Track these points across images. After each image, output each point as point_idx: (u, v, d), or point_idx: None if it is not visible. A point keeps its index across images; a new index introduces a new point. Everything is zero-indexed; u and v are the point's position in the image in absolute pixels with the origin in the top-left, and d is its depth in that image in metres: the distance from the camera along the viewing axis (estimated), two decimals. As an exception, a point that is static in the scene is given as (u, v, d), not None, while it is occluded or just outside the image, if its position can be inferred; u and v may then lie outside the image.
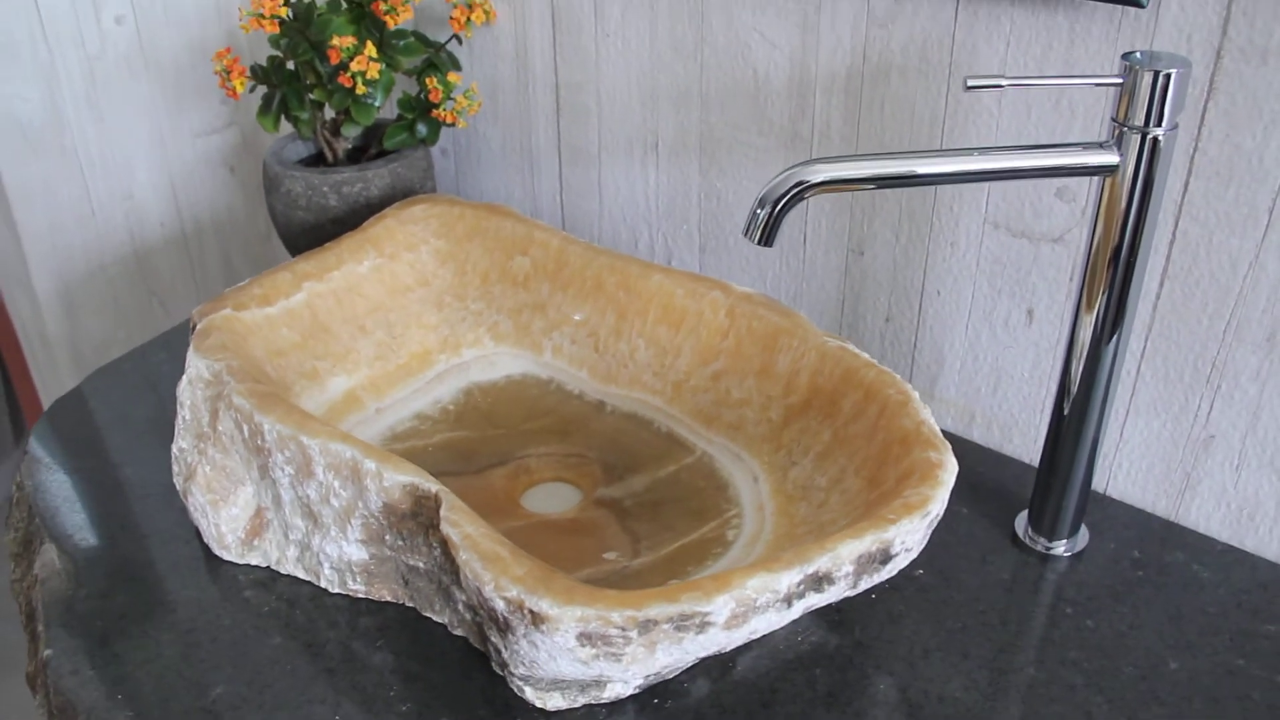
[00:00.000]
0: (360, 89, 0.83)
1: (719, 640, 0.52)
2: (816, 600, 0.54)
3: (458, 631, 0.64)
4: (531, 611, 0.51)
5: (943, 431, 0.79)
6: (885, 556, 0.55)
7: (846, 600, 0.66)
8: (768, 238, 0.56)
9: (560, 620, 0.50)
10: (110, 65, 1.01)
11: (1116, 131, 0.56)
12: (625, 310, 0.76)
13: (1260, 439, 0.66)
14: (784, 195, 0.55)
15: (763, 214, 0.56)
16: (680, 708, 0.60)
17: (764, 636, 0.64)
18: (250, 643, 0.64)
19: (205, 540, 0.70)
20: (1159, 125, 0.55)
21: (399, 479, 0.59)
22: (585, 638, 0.51)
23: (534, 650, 0.52)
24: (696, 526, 0.67)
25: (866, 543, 0.53)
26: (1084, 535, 0.69)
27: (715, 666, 0.62)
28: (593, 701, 0.60)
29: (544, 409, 0.76)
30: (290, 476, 0.63)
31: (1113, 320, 0.61)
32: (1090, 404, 0.63)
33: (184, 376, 0.69)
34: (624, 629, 0.50)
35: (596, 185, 0.91)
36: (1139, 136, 0.56)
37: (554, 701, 0.59)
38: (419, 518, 0.60)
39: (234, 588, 0.68)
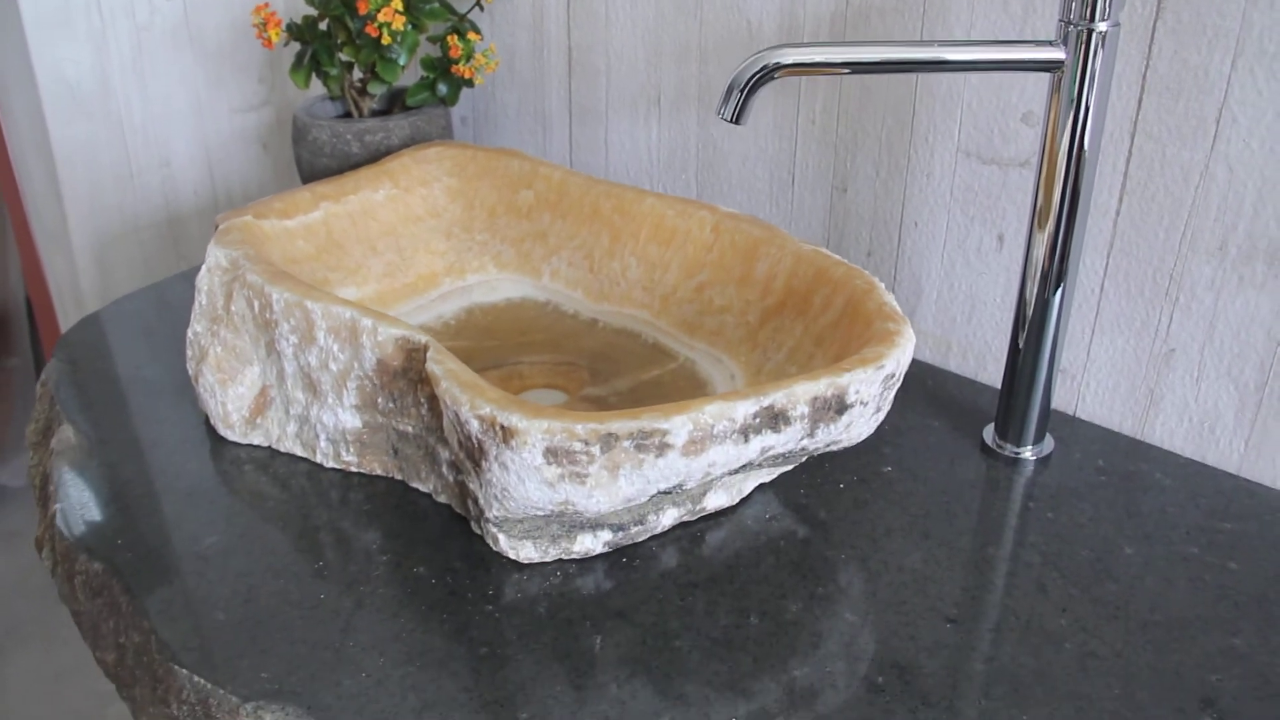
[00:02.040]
0: (386, 39, 0.89)
1: (679, 468, 0.55)
2: (773, 441, 0.57)
3: (441, 498, 0.67)
4: (502, 427, 0.54)
5: (920, 362, 0.83)
6: (840, 405, 0.58)
7: (814, 488, 0.69)
8: (737, 117, 0.61)
9: (528, 433, 0.53)
10: (157, 37, 1.09)
11: (1063, 30, 0.61)
12: (619, 232, 0.80)
13: (1217, 348, 0.68)
14: (753, 76, 0.60)
15: (734, 95, 0.61)
16: (648, 569, 0.62)
17: (732, 515, 0.66)
18: (245, 505, 0.68)
19: (212, 421, 0.74)
20: (1102, 20, 0.60)
21: (392, 332, 0.63)
22: (551, 454, 0.54)
23: (505, 474, 0.56)
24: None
25: (821, 385, 0.56)
26: (1049, 443, 0.72)
27: (685, 538, 0.65)
28: (563, 555, 0.62)
29: (540, 326, 0.81)
30: (294, 346, 0.68)
31: (1068, 216, 0.64)
32: (1049, 295, 0.67)
33: (203, 266, 0.74)
34: (587, 442, 0.53)
35: (603, 142, 0.97)
36: (1083, 32, 0.60)
37: (526, 551, 0.62)
38: (409, 374, 0.64)
39: (235, 463, 0.72)
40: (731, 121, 0.61)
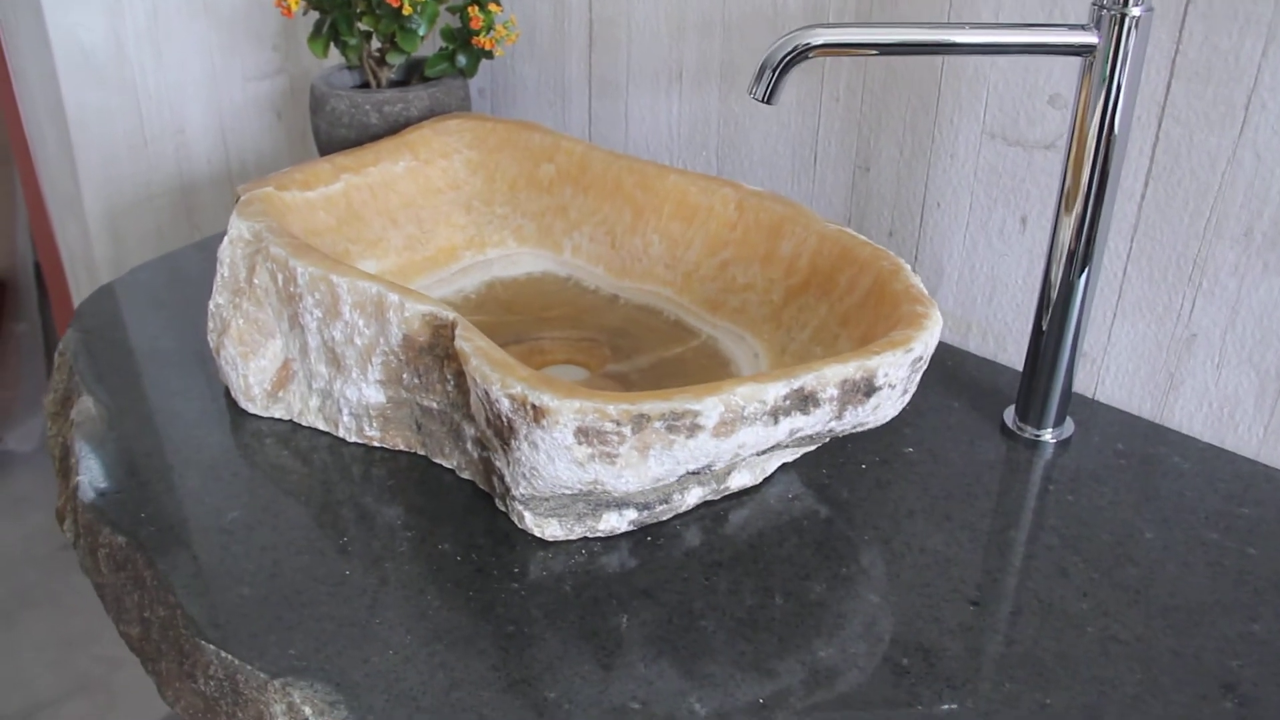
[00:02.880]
0: (407, 9, 0.89)
1: (709, 449, 0.56)
2: (802, 423, 0.57)
3: (465, 474, 0.68)
4: (534, 406, 0.54)
5: (940, 343, 0.83)
6: (869, 387, 0.58)
7: (836, 468, 0.69)
8: (769, 97, 0.61)
9: (560, 413, 0.54)
10: (172, 3, 1.08)
11: (1096, 14, 0.61)
12: (642, 208, 0.80)
13: (1239, 335, 0.68)
14: (785, 56, 0.60)
15: (767, 75, 0.60)
16: (672, 547, 0.63)
17: (755, 495, 0.67)
18: (268, 479, 0.68)
19: (233, 394, 0.74)
20: (1135, 5, 0.59)
21: (419, 308, 0.63)
22: (582, 433, 0.54)
23: (534, 453, 0.56)
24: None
25: (850, 368, 0.57)
26: (1070, 425, 0.72)
27: (708, 517, 0.65)
28: (588, 534, 0.63)
29: (561, 301, 0.81)
30: (318, 320, 0.68)
31: (1095, 199, 0.64)
32: (1074, 278, 0.67)
33: (225, 238, 0.74)
34: (619, 423, 0.53)
35: (623, 116, 0.96)
36: (1116, 16, 0.60)
37: (551, 529, 0.62)
38: (435, 350, 0.64)
39: (257, 436, 0.72)
40: (764, 101, 0.60)
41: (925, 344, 0.59)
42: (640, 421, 0.54)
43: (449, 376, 0.64)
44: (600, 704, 0.53)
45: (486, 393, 0.57)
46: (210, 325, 0.75)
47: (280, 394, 0.73)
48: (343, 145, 0.95)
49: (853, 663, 0.55)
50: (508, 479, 0.61)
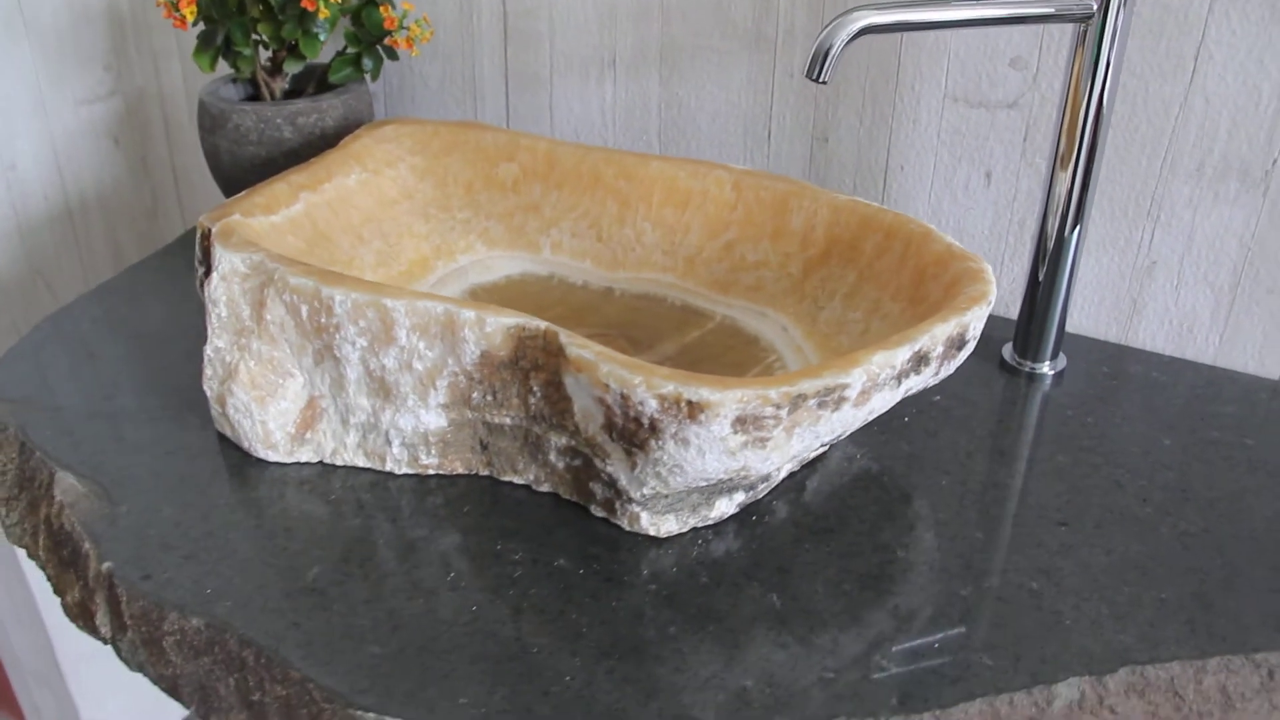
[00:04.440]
0: (323, 12, 0.83)
1: (846, 419, 0.57)
2: (915, 383, 0.60)
3: (543, 488, 0.65)
4: (689, 402, 0.53)
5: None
6: (961, 341, 0.61)
7: (882, 424, 0.72)
8: (826, 77, 0.63)
9: (721, 405, 0.53)
10: (-9, 23, 0.95)
11: (1093, -20, 0.67)
12: (627, 198, 0.79)
13: (1195, 258, 0.77)
14: (842, 39, 0.62)
15: (825, 59, 0.62)
16: (777, 521, 0.64)
17: (822, 461, 0.69)
18: (330, 527, 0.63)
19: (248, 443, 0.67)
20: (1129, -32, 0.66)
21: (503, 322, 0.60)
22: (740, 422, 0.54)
23: (682, 450, 0.55)
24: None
25: (951, 326, 0.60)
26: (1062, 359, 0.79)
27: (791, 489, 0.66)
28: (699, 523, 0.62)
29: (551, 301, 0.79)
30: (362, 350, 0.63)
31: (1085, 164, 0.71)
32: (1067, 232, 0.73)
33: (214, 275, 0.66)
34: (778, 406, 0.54)
35: (547, 108, 0.94)
36: (1113, -19, 0.66)
37: (668, 525, 0.62)
38: (519, 364, 0.61)
39: (289, 484, 0.66)
40: (821, 82, 0.62)
41: (993, 295, 0.63)
42: (798, 401, 0.54)
43: (535, 388, 0.61)
44: (798, 682, 0.53)
45: (624, 396, 0.55)
46: (208, 373, 0.67)
47: (307, 435, 0.67)
48: (252, 163, 0.87)
49: (993, 594, 0.58)
50: (623, 482, 0.59)
